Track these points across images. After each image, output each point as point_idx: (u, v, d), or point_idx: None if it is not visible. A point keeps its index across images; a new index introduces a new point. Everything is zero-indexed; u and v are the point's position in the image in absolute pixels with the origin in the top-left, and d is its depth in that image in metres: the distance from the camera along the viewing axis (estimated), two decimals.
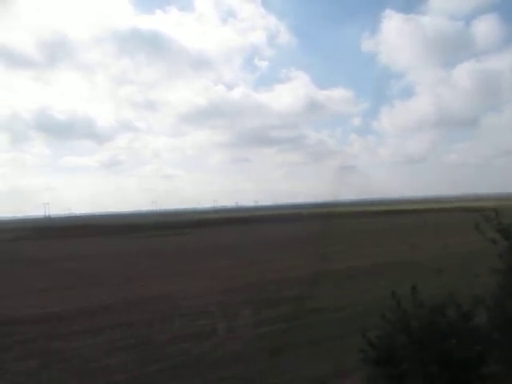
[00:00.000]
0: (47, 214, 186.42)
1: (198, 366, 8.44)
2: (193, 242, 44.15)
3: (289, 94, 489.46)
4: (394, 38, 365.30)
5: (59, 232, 69.69)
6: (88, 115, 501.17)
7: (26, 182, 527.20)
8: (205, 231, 58.42)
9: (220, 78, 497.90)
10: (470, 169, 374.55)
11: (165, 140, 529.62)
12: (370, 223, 57.74)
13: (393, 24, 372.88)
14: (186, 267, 23.73)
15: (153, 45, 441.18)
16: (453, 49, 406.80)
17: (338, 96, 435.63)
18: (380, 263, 20.82)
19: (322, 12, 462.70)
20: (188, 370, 8.28)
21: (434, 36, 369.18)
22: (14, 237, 61.64)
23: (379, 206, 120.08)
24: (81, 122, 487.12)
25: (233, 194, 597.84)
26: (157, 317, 12.25)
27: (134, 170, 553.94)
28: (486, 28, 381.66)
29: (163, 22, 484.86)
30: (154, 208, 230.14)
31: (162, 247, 39.13)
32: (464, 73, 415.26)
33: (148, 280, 19.62)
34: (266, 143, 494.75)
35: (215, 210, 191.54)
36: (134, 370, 8.41)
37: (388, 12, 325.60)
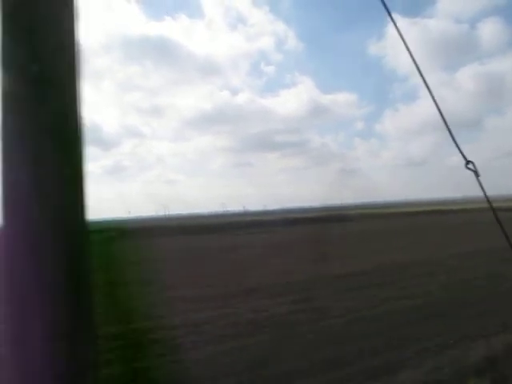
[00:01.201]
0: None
1: None
2: (321, 234, 44.16)
3: (293, 99, 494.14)
4: (399, 41, 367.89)
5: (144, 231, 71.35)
6: (94, 122, 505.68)
7: None
8: (293, 229, 56.74)
9: (226, 84, 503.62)
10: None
11: (170, 145, 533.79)
12: (439, 221, 53.89)
13: (398, 27, 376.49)
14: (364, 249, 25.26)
15: (161, 51, 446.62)
16: (457, 52, 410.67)
17: (342, 100, 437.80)
18: None
19: (329, 17, 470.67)
20: None
21: (438, 39, 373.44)
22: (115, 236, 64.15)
23: (396, 208, 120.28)
24: (87, 128, 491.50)
25: (237, 199, 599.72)
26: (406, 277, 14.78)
27: (137, 175, 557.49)
28: (489, 31, 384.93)
29: (172, 29, 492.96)
30: (164, 213, 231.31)
31: (290, 239, 38.95)
32: (467, 75, 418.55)
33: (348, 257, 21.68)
34: (270, 148, 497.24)
35: (237, 214, 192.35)
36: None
37: (393, 16, 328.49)
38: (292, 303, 11.62)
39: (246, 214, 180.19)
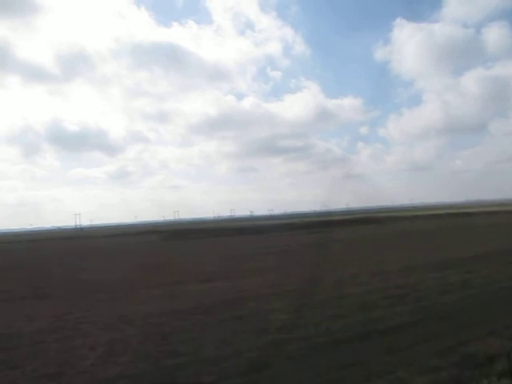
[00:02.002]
0: (78, 224, 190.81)
1: None
2: (370, 232, 51.59)
3: (299, 104, 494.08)
4: (405, 46, 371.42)
5: (192, 234, 75.17)
6: (101, 127, 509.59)
7: (42, 193, 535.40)
8: (349, 229, 61.41)
9: (233, 89, 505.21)
10: (478, 174, 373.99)
11: (175, 150, 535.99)
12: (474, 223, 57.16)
13: (404, 32, 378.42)
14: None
15: (169, 57, 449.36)
16: (462, 56, 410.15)
17: (347, 104, 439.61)
18: None
19: (336, 22, 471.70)
20: None
21: (444, 43, 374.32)
22: (162, 238, 68.25)
23: (410, 212, 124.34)
24: (93, 134, 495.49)
25: (241, 204, 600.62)
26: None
27: (142, 180, 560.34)
28: (495, 35, 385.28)
29: (180, 35, 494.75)
30: (174, 217, 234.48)
31: (352, 237, 45.43)
32: (472, 79, 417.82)
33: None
34: (274, 152, 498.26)
35: (257, 218, 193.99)
36: None
37: (399, 21, 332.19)
38: (462, 273, 16.44)
39: (271, 217, 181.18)
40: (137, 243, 61.49)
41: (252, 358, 8.13)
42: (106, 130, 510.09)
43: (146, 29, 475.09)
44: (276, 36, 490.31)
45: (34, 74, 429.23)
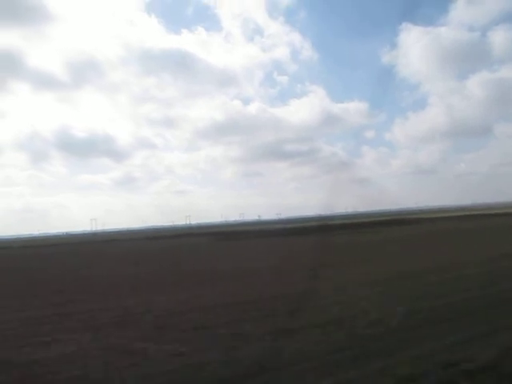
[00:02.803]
0: (93, 229, 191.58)
1: None
2: (415, 232, 51.76)
3: (304, 108, 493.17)
4: (411, 50, 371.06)
5: (239, 235, 75.04)
6: (108, 133, 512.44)
7: (49, 199, 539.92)
8: (387, 229, 62.69)
9: (240, 94, 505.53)
10: (483, 177, 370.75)
11: (181, 156, 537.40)
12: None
13: (410, 36, 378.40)
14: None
15: (177, 63, 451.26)
16: (468, 59, 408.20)
17: (352, 109, 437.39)
18: None
19: (343, 27, 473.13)
20: None
21: (450, 47, 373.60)
22: (216, 239, 68.17)
23: (427, 214, 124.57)
24: (100, 140, 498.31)
25: (247, 208, 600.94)
26: None
27: (148, 186, 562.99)
28: (500, 38, 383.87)
29: (189, 42, 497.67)
30: (186, 222, 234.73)
31: (400, 236, 46.22)
32: (477, 82, 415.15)
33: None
34: (280, 157, 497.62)
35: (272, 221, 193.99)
36: None
37: (405, 25, 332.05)
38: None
39: (288, 221, 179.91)
40: (198, 244, 59.70)
41: None
42: (113, 136, 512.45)
43: (155, 36, 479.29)
44: (284, 41, 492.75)
45: (44, 82, 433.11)
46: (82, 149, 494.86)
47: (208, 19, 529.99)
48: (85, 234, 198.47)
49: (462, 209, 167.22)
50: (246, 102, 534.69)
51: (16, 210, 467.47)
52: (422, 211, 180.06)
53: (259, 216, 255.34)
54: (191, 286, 19.06)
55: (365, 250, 32.25)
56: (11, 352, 9.35)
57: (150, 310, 13.21)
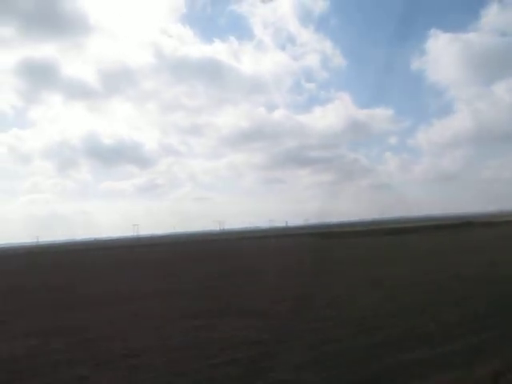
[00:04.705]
0: (136, 234, 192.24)
1: None
2: None
3: (330, 115, 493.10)
4: (440, 56, 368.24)
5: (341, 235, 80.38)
6: (135, 141, 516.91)
7: (73, 205, 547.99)
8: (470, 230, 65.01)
9: (267, 101, 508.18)
10: (509, 184, 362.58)
11: (204, 163, 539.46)
12: None
13: (439, 43, 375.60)
14: None
15: (207, 72, 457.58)
16: (497, 64, 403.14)
17: (377, 115, 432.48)
18: None
19: (372, 34, 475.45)
20: None
21: (479, 52, 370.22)
22: (320, 238, 74.07)
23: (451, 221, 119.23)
24: (127, 148, 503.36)
25: (269, 214, 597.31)
26: None
27: (170, 192, 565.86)
28: None
29: (221, 51, 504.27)
30: (220, 228, 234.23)
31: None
32: (505, 88, 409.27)
33: None
34: (302, 163, 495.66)
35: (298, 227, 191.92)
36: None
37: (434, 31, 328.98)
38: None
39: (320, 226, 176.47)
40: (308, 243, 60.96)
41: None
42: (140, 144, 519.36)
43: (188, 45, 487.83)
44: (314, 49, 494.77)
45: (76, 91, 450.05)
46: (109, 156, 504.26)
47: (240, 28, 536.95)
48: (127, 238, 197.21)
49: (491, 215, 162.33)
50: (272, 109, 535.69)
51: (41, 216, 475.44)
52: (451, 218, 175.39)
53: (287, 222, 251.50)
54: None
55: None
56: None
57: None
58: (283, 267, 27.44)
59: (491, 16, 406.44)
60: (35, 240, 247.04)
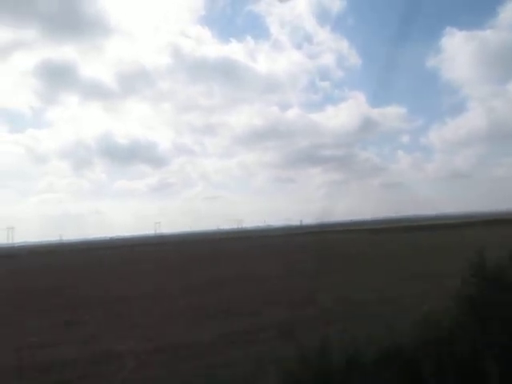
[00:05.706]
0: (158, 232, 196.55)
1: None
2: None
3: (343, 113, 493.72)
4: (455, 54, 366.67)
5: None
6: (150, 140, 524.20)
7: (87, 204, 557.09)
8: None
9: (281, 100, 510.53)
10: None
11: (217, 162, 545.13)
12: None
13: (455, 41, 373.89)
14: None
15: (223, 72, 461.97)
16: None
17: (391, 114, 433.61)
18: None
19: (388, 32, 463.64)
20: None
21: (495, 50, 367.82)
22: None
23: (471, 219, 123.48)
24: (141, 147, 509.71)
25: (282, 213, 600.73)
26: None
27: (182, 191, 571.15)
28: None
29: (237, 50, 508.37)
30: (238, 226, 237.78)
31: None
32: None
33: None
34: (314, 162, 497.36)
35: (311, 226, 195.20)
36: None
37: (450, 29, 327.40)
38: None
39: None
40: (374, 239, 61.54)
41: None
42: (154, 143, 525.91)
43: (206, 46, 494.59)
44: (331, 48, 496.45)
45: (93, 92, 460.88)
46: (123, 156, 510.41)
47: (257, 28, 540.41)
48: (148, 237, 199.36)
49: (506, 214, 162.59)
50: (285, 108, 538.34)
51: (55, 216, 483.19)
52: (464, 217, 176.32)
53: (301, 221, 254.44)
54: None
55: None
56: None
57: None
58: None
59: (509, 12, 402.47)
60: (58, 238, 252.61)
